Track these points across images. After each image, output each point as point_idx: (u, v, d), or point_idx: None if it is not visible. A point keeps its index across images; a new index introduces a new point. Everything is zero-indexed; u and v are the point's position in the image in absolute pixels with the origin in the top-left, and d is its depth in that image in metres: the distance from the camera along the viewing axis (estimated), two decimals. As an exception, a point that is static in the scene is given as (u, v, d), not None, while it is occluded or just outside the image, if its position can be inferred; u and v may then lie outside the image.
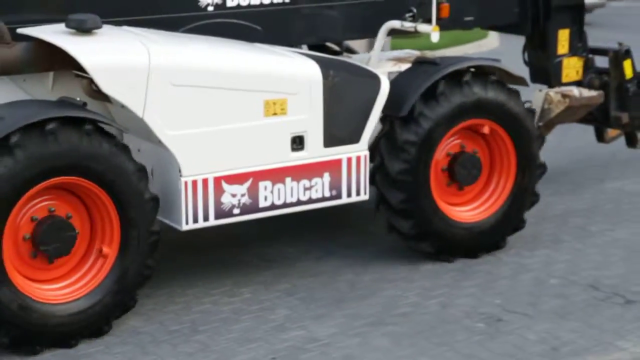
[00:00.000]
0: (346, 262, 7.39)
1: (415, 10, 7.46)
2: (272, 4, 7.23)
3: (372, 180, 7.18)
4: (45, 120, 5.79)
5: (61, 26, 6.30)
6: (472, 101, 7.16)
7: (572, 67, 8.73)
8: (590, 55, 8.89)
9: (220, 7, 7.03)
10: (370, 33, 7.78)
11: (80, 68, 6.14)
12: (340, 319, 6.43)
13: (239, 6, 7.10)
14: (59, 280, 6.18)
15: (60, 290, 6.15)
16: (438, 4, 7.25)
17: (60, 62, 6.33)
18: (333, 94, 6.76)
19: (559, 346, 6.01)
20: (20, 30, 6.31)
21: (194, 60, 6.35)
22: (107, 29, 6.31)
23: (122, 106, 6.18)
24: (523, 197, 7.57)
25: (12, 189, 5.73)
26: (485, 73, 7.32)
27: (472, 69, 7.28)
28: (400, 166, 7.03)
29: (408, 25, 7.42)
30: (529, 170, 7.53)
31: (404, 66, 7.62)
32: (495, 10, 8.37)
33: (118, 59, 6.12)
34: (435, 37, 7.13)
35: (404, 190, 7.09)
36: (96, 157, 5.95)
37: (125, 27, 6.60)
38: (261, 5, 7.19)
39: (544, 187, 8.71)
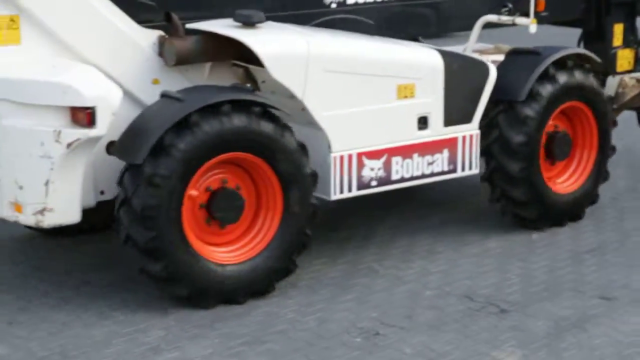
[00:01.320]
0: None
1: (510, 5, 8.52)
2: (383, 1, 8.09)
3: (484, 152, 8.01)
4: (221, 102, 6.53)
5: (227, 21, 7.12)
6: (574, 84, 8.12)
7: (625, 58, 9.58)
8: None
9: (342, 4, 7.90)
10: (467, 27, 8.59)
11: (239, 58, 7.08)
12: (216, 338, 6.32)
13: (356, 3, 7.97)
14: (230, 244, 6.89)
15: (231, 253, 6.86)
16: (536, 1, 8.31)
17: (224, 53, 7.11)
18: (452, 80, 7.63)
19: (435, 358, 5.99)
20: (190, 25, 7.04)
21: (342, 50, 7.24)
22: (267, 23, 7.11)
23: (285, 91, 6.93)
24: (600, 174, 8.57)
25: (190, 162, 6.44)
26: (581, 60, 8.28)
27: (571, 57, 8.23)
28: (520, 138, 7.84)
29: (505, 19, 8.41)
30: (605, 149, 8.50)
31: (493, 57, 8.52)
32: (566, 6, 9.30)
33: (285, 49, 6.93)
34: (533, 29, 8.04)
35: (522, 158, 7.90)
36: (263, 135, 6.67)
37: (280, 23, 7.37)
38: (374, 2, 8.04)
39: (420, 199, 8.79)
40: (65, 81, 6.32)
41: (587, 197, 8.48)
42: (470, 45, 8.66)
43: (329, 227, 8.20)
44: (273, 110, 6.80)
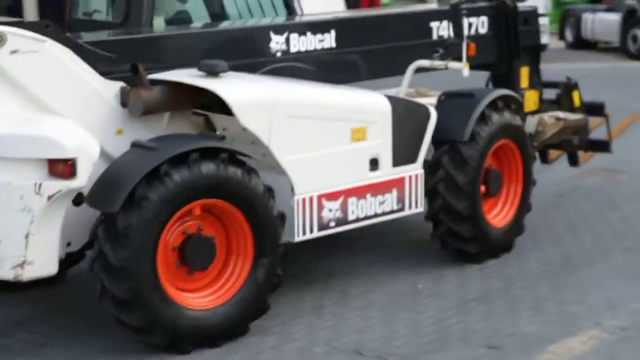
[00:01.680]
0: None
1: (442, 50, 8.93)
2: (322, 49, 8.42)
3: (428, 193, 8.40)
4: (190, 151, 6.65)
5: (190, 70, 7.30)
6: (504, 124, 8.61)
7: (531, 99, 10.16)
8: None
9: (286, 52, 8.21)
10: (399, 72, 9.08)
11: (199, 107, 7.31)
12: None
13: (298, 51, 8.28)
14: (202, 290, 7.00)
15: (204, 298, 6.97)
16: (467, 44, 8.75)
17: (186, 102, 7.31)
18: (398, 122, 7.98)
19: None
20: (153, 76, 7.19)
21: (302, 97, 7.54)
22: (229, 73, 7.28)
23: (249, 137, 7.15)
24: (525, 206, 8.98)
25: (162, 212, 6.51)
26: (508, 101, 8.81)
27: (501, 99, 8.75)
28: (465, 177, 8.29)
29: (438, 63, 8.89)
30: (528, 183, 8.95)
31: (428, 99, 8.94)
32: (486, 51, 9.78)
33: (251, 96, 7.17)
34: (466, 72, 8.64)
35: (467, 196, 8.24)
36: (232, 181, 6.82)
37: (239, 72, 7.61)
38: (314, 50, 8.36)
39: (305, 253, 8.60)
40: (45, 133, 6.40)
41: (516, 229, 8.93)
42: (404, 89, 9.09)
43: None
44: (239, 156, 6.97)
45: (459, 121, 8.35)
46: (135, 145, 6.82)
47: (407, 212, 8.13)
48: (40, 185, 6.30)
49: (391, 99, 8.10)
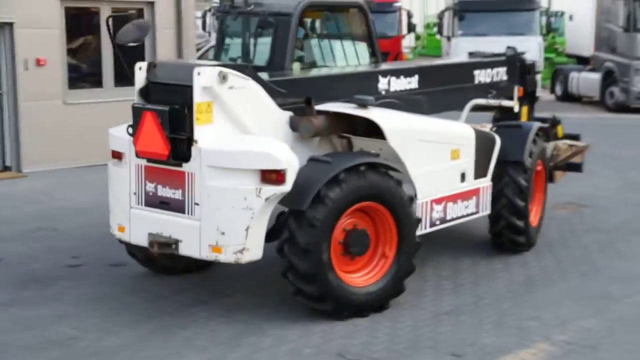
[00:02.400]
0: None
1: (494, 92, 9.78)
2: (409, 89, 8.85)
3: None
4: (360, 164, 7.34)
5: (343, 104, 7.91)
6: (542, 148, 9.40)
7: None
8: None
9: (387, 91, 8.69)
10: (460, 107, 9.67)
11: (345, 132, 7.94)
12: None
13: (395, 91, 8.73)
14: (358, 272, 7.55)
15: (360, 278, 7.54)
16: (517, 87, 10.01)
17: (338, 128, 7.96)
18: (478, 146, 8.75)
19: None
20: (318, 107, 7.78)
21: (424, 125, 8.23)
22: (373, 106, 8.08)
23: (390, 156, 7.76)
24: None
25: (337, 209, 7.18)
26: (547, 128, 10.10)
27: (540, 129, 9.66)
28: (522, 186, 8.98)
29: (493, 101, 9.77)
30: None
31: (485, 129, 9.58)
32: (509, 93, 10.24)
33: (397, 123, 7.91)
34: (517, 108, 9.78)
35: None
36: (386, 189, 7.49)
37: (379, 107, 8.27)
38: (405, 90, 8.81)
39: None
40: (262, 149, 7.07)
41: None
42: (462, 121, 9.52)
43: (223, 293, 7.87)
44: (391, 171, 7.68)
45: (517, 146, 9.09)
46: (312, 159, 7.44)
47: (480, 214, 8.92)
48: (260, 189, 6.98)
49: (474, 129, 8.94)
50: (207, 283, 8.16)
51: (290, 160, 7.06)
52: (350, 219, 7.44)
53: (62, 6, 13.58)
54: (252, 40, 8.71)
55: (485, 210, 8.97)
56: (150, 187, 7.33)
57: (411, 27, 26.18)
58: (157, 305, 7.62)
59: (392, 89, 8.76)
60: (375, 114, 7.81)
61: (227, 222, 6.98)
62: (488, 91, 9.76)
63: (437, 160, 8.32)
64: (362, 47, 9.15)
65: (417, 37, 32.68)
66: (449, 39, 22.67)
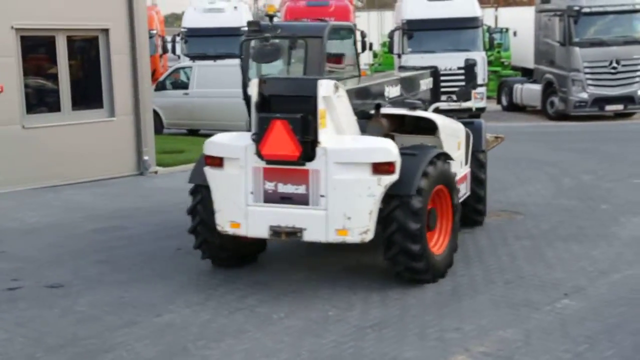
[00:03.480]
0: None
1: (454, 97, 10.24)
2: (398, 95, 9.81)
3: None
4: (437, 155, 8.24)
5: (398, 108, 9.05)
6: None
7: None
8: None
9: (389, 98, 9.49)
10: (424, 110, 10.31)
11: (396, 130, 8.96)
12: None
13: (393, 96, 9.58)
14: (432, 242, 8.40)
15: (434, 247, 8.35)
16: (472, 93, 10.55)
17: (392, 127, 8.82)
18: (467, 139, 9.84)
19: None
20: (383, 110, 8.76)
21: (448, 122, 9.07)
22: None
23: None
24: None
25: (429, 195, 7.95)
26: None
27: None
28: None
29: (454, 104, 10.47)
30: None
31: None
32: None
33: (442, 120, 8.85)
34: (474, 108, 11.59)
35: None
36: (450, 175, 8.49)
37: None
38: (398, 96, 9.72)
39: (232, 283, 8.00)
40: (380, 146, 7.76)
41: None
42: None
43: (154, 312, 7.32)
44: (449, 160, 8.69)
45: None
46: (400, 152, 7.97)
47: (467, 194, 9.75)
48: (380, 179, 7.66)
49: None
50: (140, 302, 7.61)
51: (397, 153, 7.77)
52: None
53: (17, 35, 13.15)
54: (284, 59, 9.55)
55: (467, 191, 9.86)
56: (269, 185, 7.81)
57: (365, 46, 25.97)
58: (88, 326, 7.06)
59: (390, 95, 9.57)
60: (428, 114, 8.94)
61: (353, 208, 7.63)
62: (448, 96, 10.55)
63: (454, 149, 9.20)
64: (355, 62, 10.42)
65: (375, 55, 32.72)
66: (399, 56, 22.37)
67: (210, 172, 8.09)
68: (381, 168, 7.63)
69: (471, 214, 10.08)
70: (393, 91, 9.57)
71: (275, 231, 7.73)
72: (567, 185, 12.84)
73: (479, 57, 20.96)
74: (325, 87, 7.70)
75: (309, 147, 7.68)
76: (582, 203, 11.41)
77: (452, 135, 9.05)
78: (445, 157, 8.38)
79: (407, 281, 7.95)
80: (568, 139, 18.39)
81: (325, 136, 7.68)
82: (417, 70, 10.69)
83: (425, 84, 10.61)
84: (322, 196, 7.65)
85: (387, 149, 7.69)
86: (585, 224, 10.24)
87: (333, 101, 7.78)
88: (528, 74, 25.86)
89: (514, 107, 24.96)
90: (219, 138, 8.13)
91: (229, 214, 7.94)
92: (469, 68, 10.57)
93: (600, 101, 21.83)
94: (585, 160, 15.02)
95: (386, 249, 7.91)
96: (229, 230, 7.95)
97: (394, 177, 7.71)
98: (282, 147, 7.66)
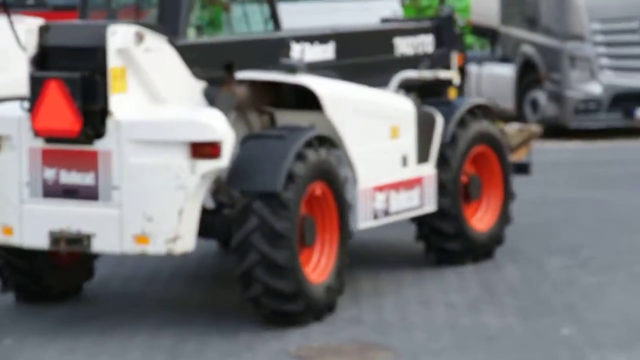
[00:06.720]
0: None
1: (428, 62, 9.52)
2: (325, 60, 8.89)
3: None
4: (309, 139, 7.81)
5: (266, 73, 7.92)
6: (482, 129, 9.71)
7: None
8: None
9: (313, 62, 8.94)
10: (384, 83, 9.28)
11: (272, 105, 8.21)
12: None
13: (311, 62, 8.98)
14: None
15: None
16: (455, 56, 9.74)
17: (260, 101, 8.30)
18: (418, 123, 9.54)
19: None
20: (241, 75, 7.97)
21: (363, 95, 8.74)
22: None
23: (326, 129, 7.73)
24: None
25: (304, 186, 7.76)
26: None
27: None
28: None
29: (427, 73, 9.61)
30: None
31: None
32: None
33: (334, 90, 8.12)
34: (457, 80, 9.82)
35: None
36: (330, 167, 8.44)
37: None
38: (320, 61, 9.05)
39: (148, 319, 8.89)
40: (198, 118, 7.13)
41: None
42: None
43: (103, 331, 7.71)
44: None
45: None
46: (259, 136, 7.63)
47: (424, 209, 9.74)
48: (195, 165, 7.07)
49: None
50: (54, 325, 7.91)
51: (227, 129, 7.22)
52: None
53: None
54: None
55: (430, 204, 8.72)
56: (49, 173, 7.42)
57: None
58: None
59: (315, 57, 8.60)
60: (308, 80, 7.71)
61: (156, 205, 7.10)
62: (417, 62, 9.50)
63: (380, 137, 8.29)
64: (262, 11, 9.37)
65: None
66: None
67: None
68: (201, 150, 7.11)
69: (435, 238, 9.03)
70: (315, 52, 8.77)
71: (56, 238, 7.22)
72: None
73: (388, 8, 15.21)
74: (120, 37, 7.17)
75: (97, 120, 7.21)
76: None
77: (370, 114, 8.31)
78: (322, 141, 7.62)
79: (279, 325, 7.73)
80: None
81: (122, 105, 7.19)
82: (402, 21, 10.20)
83: (413, 43, 9.92)
84: (114, 188, 7.18)
85: (206, 122, 7.09)
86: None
87: (136, 57, 7.22)
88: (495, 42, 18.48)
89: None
90: None
91: (1, 215, 7.44)
92: (444, 21, 9.97)
93: (626, 100, 16.05)
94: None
95: (243, 285, 7.61)
96: (1, 238, 7.51)
97: (218, 164, 7.08)
98: (57, 119, 7.23)
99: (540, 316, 7.73)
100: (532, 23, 17.90)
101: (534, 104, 18.05)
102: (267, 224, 7.14)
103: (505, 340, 7.22)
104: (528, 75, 18.13)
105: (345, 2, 17.08)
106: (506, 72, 18.69)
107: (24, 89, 8.58)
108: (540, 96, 17.67)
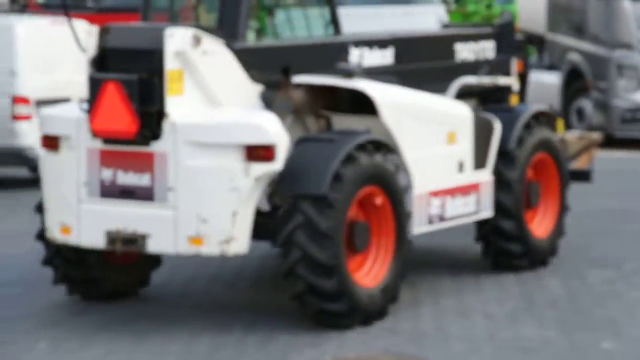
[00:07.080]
0: None
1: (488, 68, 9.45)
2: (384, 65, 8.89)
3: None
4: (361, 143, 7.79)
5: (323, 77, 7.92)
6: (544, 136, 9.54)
7: None
8: None
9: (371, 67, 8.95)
10: (443, 89, 9.24)
11: (328, 109, 8.16)
12: None
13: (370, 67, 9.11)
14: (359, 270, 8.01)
15: (363, 279, 8.17)
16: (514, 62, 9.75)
17: (316, 105, 8.29)
18: (475, 129, 9.86)
19: None
20: (299, 79, 8.03)
21: (421, 101, 8.74)
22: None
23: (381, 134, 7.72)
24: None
25: (353, 189, 7.84)
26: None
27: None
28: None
29: (487, 80, 9.60)
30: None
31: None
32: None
33: (390, 95, 8.19)
34: (517, 86, 9.94)
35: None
36: (384, 172, 8.56)
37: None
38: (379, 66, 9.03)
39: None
40: (252, 121, 7.15)
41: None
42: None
43: (141, 335, 7.84)
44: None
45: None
46: (309, 139, 7.64)
47: (480, 215, 9.74)
48: (249, 167, 7.11)
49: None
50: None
51: (281, 133, 7.25)
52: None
53: None
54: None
55: (486, 210, 8.73)
56: (107, 174, 7.50)
57: None
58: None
59: (372, 63, 8.63)
60: (364, 85, 7.74)
61: (210, 207, 7.18)
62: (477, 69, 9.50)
63: (437, 142, 8.29)
64: (322, 15, 9.26)
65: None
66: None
67: (43, 157, 7.75)
68: (255, 153, 7.16)
69: (495, 239, 9.08)
70: (374, 56, 8.79)
71: (112, 238, 7.31)
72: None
73: (433, 14, 15.29)
74: (178, 39, 7.26)
75: (154, 122, 7.30)
76: None
77: (426, 119, 8.31)
78: (378, 146, 7.59)
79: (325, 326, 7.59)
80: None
81: (178, 107, 7.28)
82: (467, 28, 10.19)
83: (474, 49, 9.91)
84: (170, 190, 7.28)
85: (261, 125, 7.15)
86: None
87: (193, 59, 7.33)
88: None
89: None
90: (57, 109, 7.87)
91: (58, 215, 7.60)
92: (504, 27, 10.00)
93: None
94: None
95: (288, 283, 7.49)
96: (58, 237, 7.59)
97: (272, 167, 7.14)
98: (115, 120, 7.30)
99: (581, 329, 7.48)
100: (579, 31, 17.77)
101: (580, 113, 17.85)
102: (311, 222, 7.12)
103: (545, 353, 6.99)
104: (574, 84, 17.91)
105: (390, 7, 16.95)
106: (553, 79, 18.53)
107: (64, 91, 8.38)
108: (587, 105, 17.52)
